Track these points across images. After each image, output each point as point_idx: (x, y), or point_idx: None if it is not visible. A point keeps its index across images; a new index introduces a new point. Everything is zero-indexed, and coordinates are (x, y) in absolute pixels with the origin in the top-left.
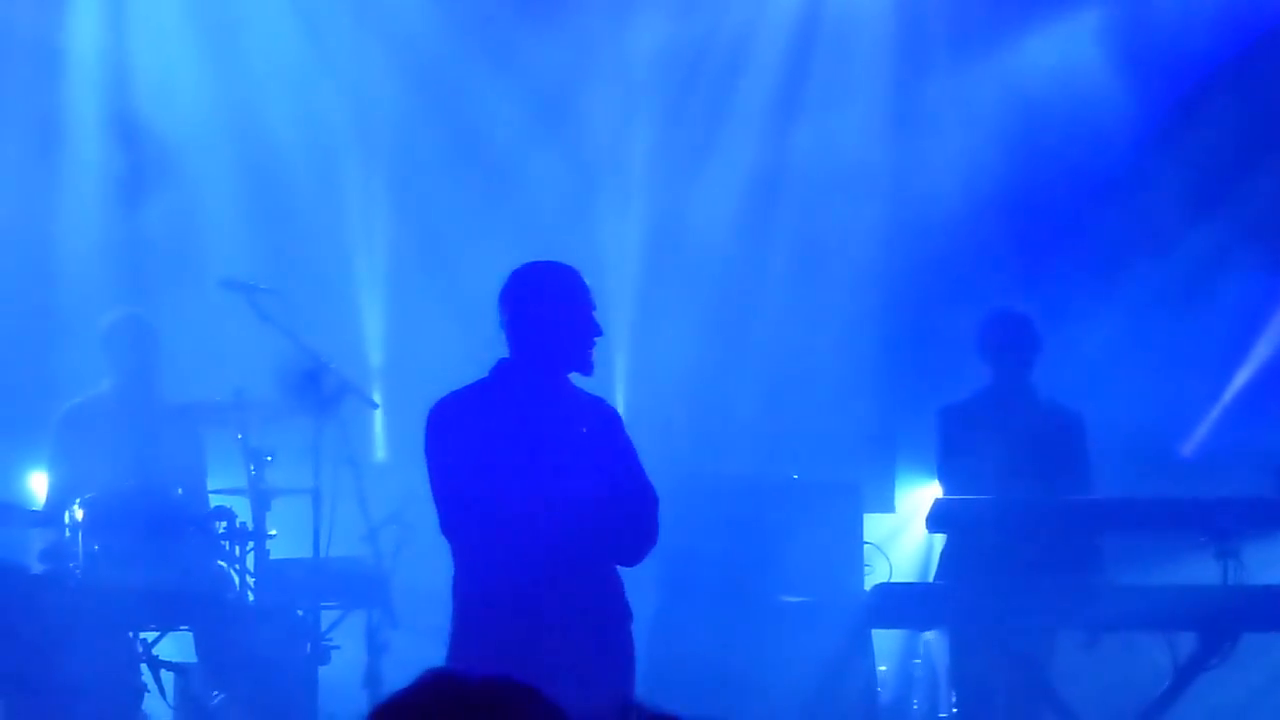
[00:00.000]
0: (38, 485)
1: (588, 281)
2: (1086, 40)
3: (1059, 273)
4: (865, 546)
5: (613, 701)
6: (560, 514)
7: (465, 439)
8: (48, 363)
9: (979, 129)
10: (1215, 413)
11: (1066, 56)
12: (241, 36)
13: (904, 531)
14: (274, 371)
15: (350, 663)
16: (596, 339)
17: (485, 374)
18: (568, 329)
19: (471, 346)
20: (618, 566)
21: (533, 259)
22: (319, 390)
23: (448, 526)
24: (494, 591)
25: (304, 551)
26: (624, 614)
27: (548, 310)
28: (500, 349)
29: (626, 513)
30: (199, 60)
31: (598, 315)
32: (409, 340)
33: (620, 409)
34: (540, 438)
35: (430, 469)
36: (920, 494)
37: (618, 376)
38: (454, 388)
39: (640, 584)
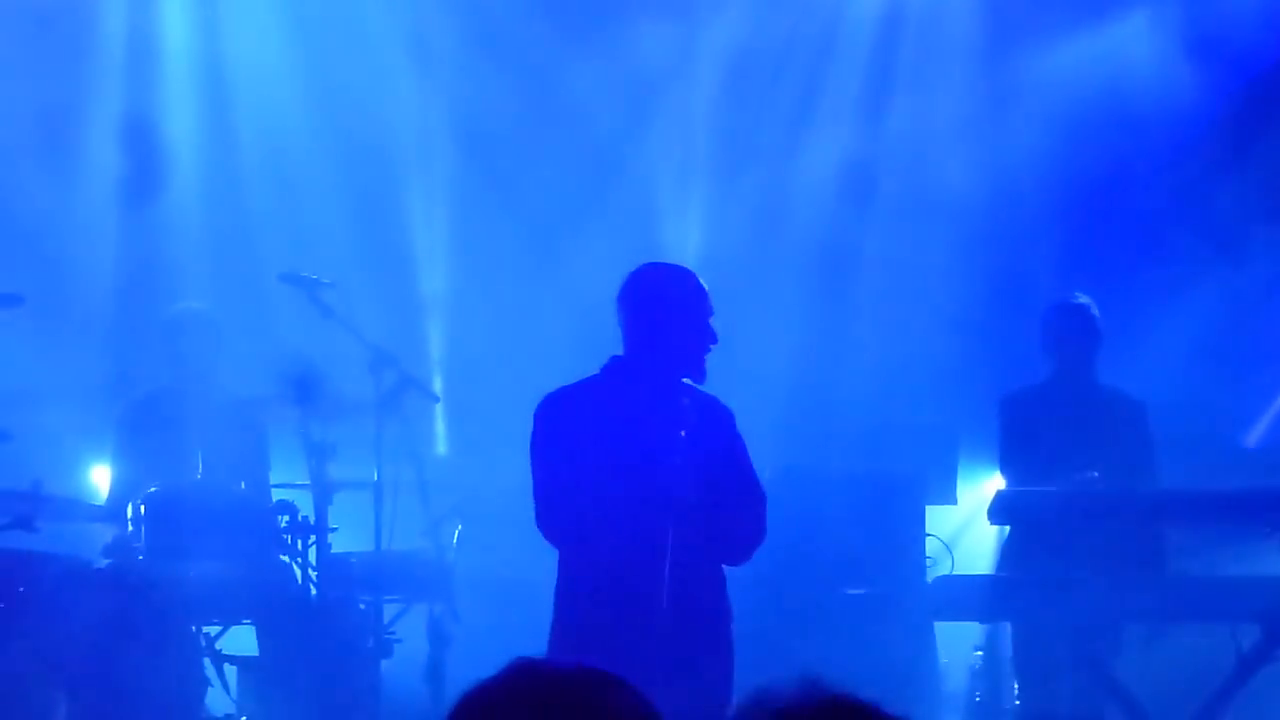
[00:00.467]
0: (100, 480)
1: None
2: (1154, 32)
3: (1123, 263)
4: (927, 539)
5: (715, 699)
6: (662, 513)
7: (570, 435)
8: (111, 357)
9: (1046, 122)
10: (1279, 403)
11: (1136, 50)
12: (321, 28)
13: (966, 523)
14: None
15: (412, 656)
16: (712, 346)
17: (596, 370)
18: (684, 334)
19: (533, 339)
20: (723, 565)
21: (592, 251)
22: (379, 384)
23: (544, 522)
24: (593, 590)
25: (366, 545)
26: (725, 612)
27: (665, 314)
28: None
29: (732, 512)
30: (281, 54)
31: (714, 321)
32: (470, 334)
33: None
34: (645, 437)
35: (534, 462)
36: (982, 486)
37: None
38: (514, 382)
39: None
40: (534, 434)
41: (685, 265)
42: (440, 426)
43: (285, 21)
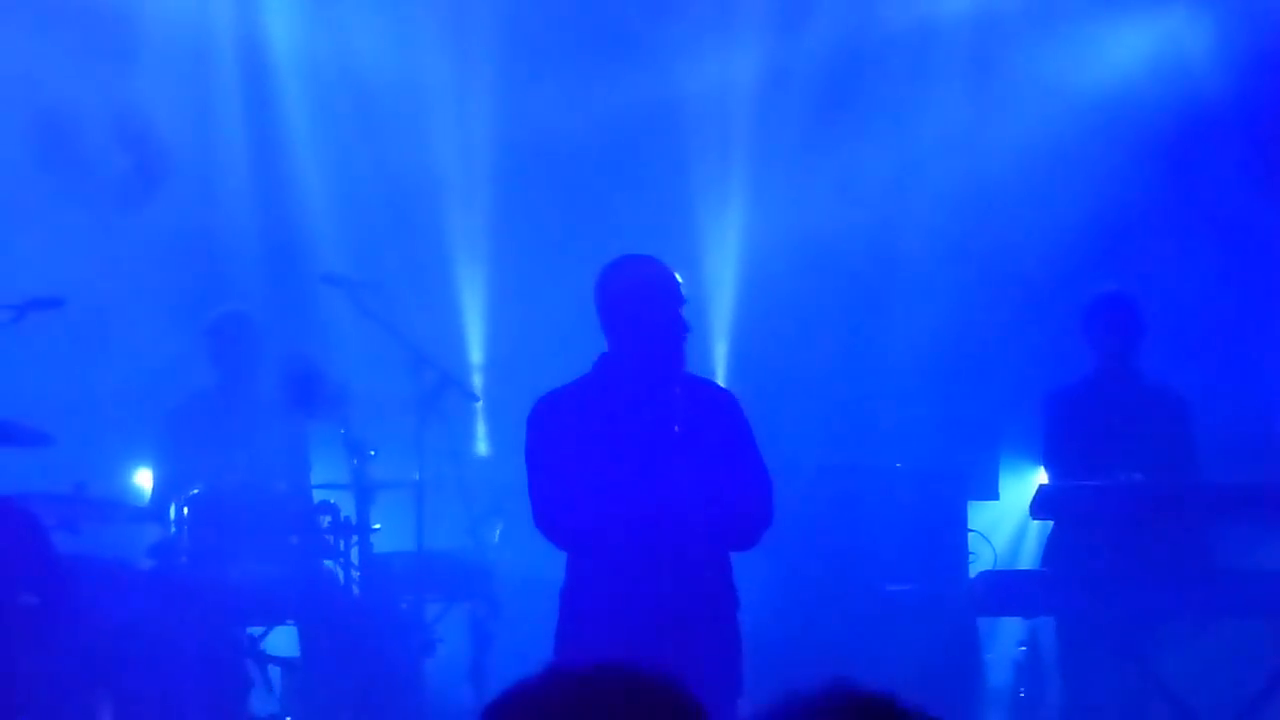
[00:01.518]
0: (144, 481)
1: (682, 276)
2: (1194, 28)
3: (1165, 255)
4: (970, 534)
5: (725, 690)
6: (659, 507)
7: (564, 437)
8: (153, 358)
9: (1081, 114)
10: None
11: (1172, 44)
12: (363, 29)
13: (1009, 518)
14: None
15: (454, 656)
16: (686, 335)
17: (588, 369)
18: (653, 326)
19: (573, 339)
20: (731, 553)
21: (630, 252)
22: (419, 385)
23: (543, 523)
24: (599, 587)
25: (407, 545)
26: (731, 602)
27: (632, 307)
28: (602, 343)
29: (735, 498)
30: (321, 54)
31: (686, 311)
32: (511, 334)
33: None
34: (639, 432)
35: (529, 466)
36: (1025, 481)
37: (718, 363)
38: (555, 381)
39: (749, 572)
40: (528, 439)
41: (698, 259)
42: (481, 426)
43: (326, 21)
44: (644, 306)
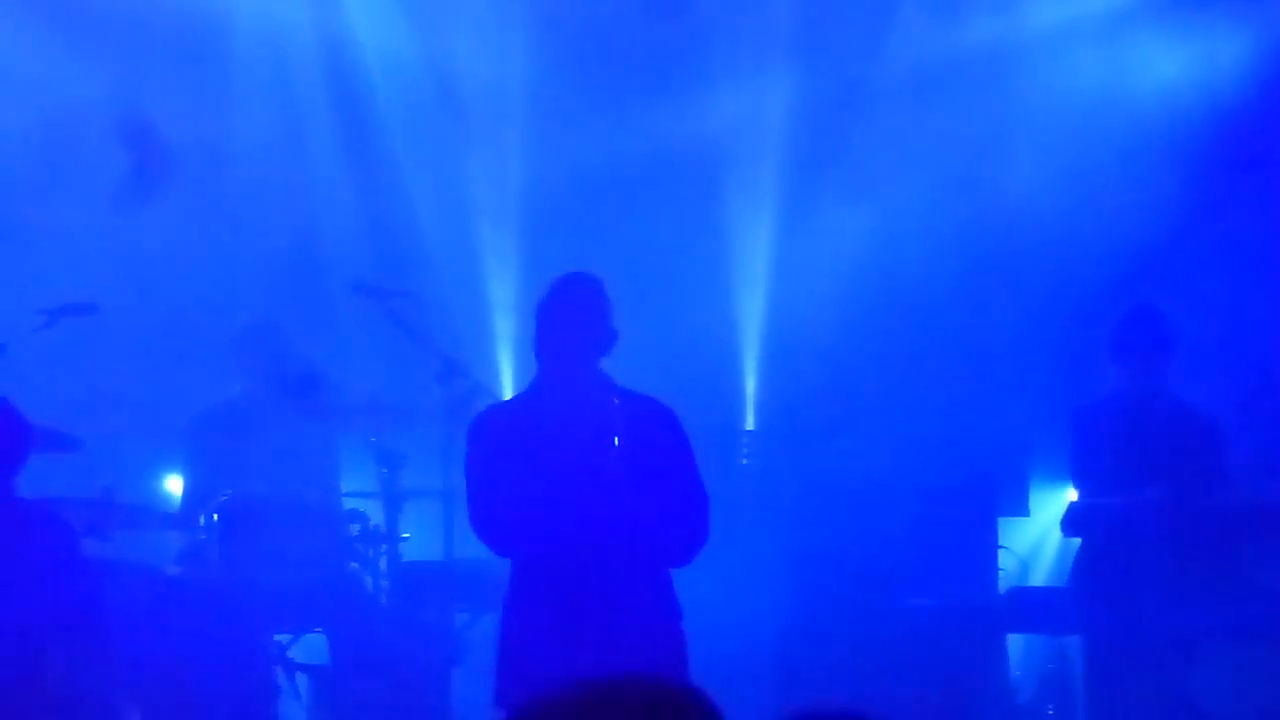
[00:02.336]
0: (173, 487)
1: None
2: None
3: (1196, 271)
4: (999, 550)
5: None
6: (595, 520)
7: (501, 449)
8: (183, 365)
9: (1116, 132)
10: None
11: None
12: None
13: (1039, 535)
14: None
15: (482, 665)
16: (605, 352)
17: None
18: (589, 339)
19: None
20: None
21: (660, 265)
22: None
23: (478, 531)
24: (532, 595)
25: (436, 554)
26: (673, 614)
27: (553, 323)
28: (646, 355)
29: (667, 515)
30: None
31: (613, 321)
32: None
33: (749, 411)
34: (575, 445)
35: (466, 477)
36: (1056, 497)
37: (748, 374)
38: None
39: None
40: (467, 451)
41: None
42: None
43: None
44: (582, 319)
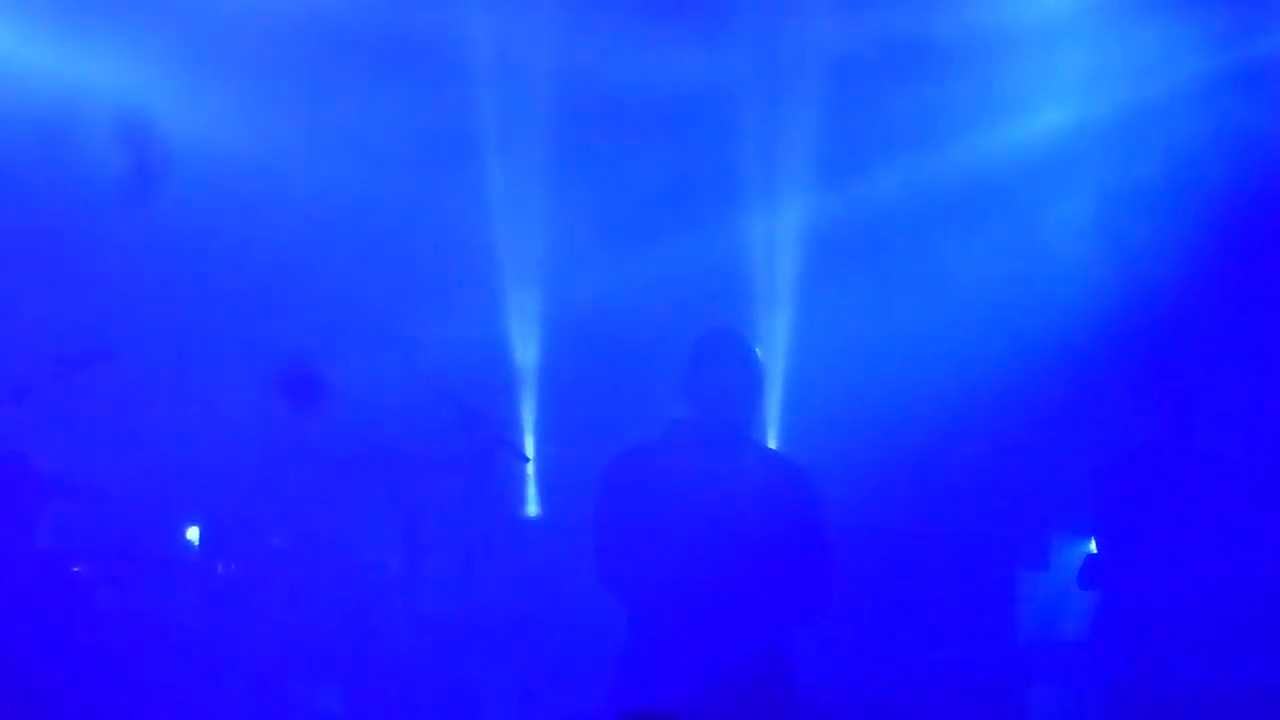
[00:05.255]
0: (193, 537)
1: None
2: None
3: (1218, 324)
4: (1018, 603)
5: None
6: (716, 576)
7: (634, 495)
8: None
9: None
10: None
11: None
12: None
13: (1058, 588)
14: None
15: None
16: (757, 406)
17: (661, 431)
18: (737, 396)
19: (624, 402)
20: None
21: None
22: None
23: (603, 575)
24: (647, 642)
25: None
26: (784, 674)
27: (707, 377)
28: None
29: (792, 576)
30: None
31: (758, 387)
32: (562, 395)
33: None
34: (704, 497)
35: (597, 518)
36: (1075, 550)
37: (770, 423)
38: (605, 443)
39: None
40: (598, 494)
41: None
42: (531, 487)
43: None
44: (731, 375)
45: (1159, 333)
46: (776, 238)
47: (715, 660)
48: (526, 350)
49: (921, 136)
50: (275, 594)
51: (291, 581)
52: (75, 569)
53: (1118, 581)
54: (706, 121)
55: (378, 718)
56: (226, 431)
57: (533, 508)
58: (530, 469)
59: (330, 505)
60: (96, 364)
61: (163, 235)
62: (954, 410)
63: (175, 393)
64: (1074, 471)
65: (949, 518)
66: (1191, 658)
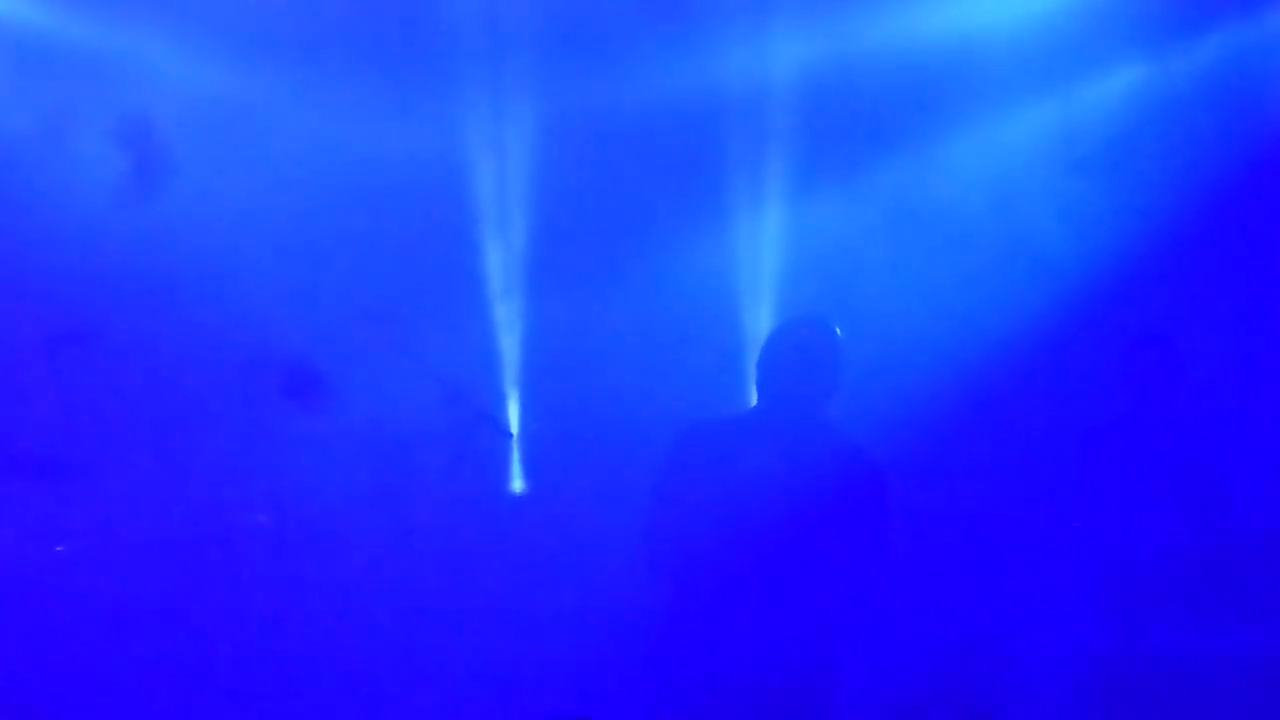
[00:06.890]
0: None
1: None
2: None
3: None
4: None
5: None
6: (766, 555)
7: (694, 468)
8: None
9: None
10: None
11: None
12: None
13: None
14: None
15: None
16: (832, 395)
17: (740, 408)
18: (818, 384)
19: (610, 377)
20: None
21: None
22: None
23: (654, 557)
24: (699, 623)
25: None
26: (822, 661)
27: (776, 364)
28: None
29: (846, 568)
30: None
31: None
32: (547, 369)
33: None
34: (769, 479)
35: (658, 483)
36: (1060, 526)
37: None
38: (591, 417)
39: None
40: (662, 461)
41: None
42: (515, 463)
43: None
44: (785, 363)
45: (1137, 305)
46: (761, 242)
47: (766, 651)
48: (514, 324)
49: (915, 138)
50: (260, 571)
51: (276, 558)
52: (58, 548)
53: (1101, 554)
54: (700, 125)
55: (364, 696)
56: (210, 411)
57: (517, 483)
58: (513, 444)
59: (314, 484)
60: (79, 344)
61: (153, 230)
62: (950, 406)
63: (157, 373)
64: (1058, 441)
65: (948, 515)
66: (1180, 629)
